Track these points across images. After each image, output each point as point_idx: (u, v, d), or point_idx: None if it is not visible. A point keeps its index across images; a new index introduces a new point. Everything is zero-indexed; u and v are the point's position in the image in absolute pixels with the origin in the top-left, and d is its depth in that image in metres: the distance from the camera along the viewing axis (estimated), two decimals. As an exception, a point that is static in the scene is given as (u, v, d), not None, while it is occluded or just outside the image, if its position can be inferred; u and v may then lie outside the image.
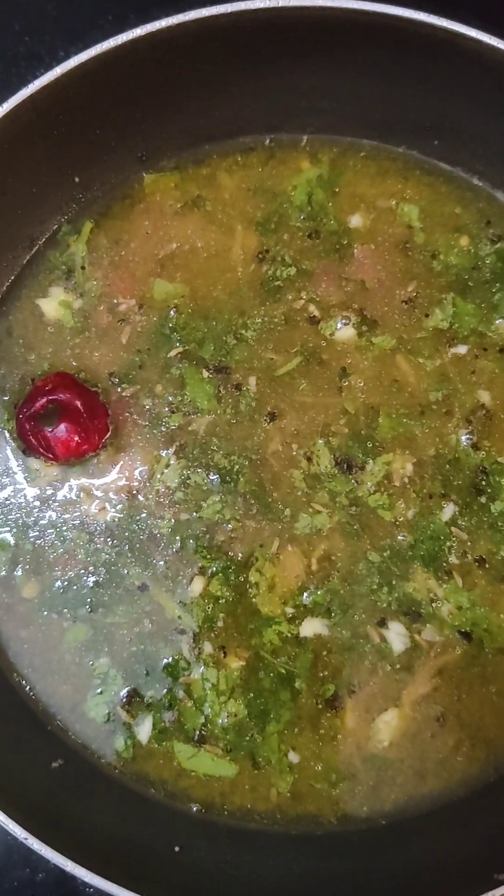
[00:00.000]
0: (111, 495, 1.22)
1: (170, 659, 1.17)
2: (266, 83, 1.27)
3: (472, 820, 1.12)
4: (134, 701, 1.17)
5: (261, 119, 1.32)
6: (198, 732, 1.15)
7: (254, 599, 1.17)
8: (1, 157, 1.16)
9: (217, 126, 1.32)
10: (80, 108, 1.19)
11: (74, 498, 1.22)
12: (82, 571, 1.20)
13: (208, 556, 1.19)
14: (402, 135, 1.31)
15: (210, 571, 1.19)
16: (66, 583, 1.20)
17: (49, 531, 1.21)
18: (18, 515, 1.22)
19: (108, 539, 1.21)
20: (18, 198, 1.24)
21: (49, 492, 1.23)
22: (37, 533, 1.22)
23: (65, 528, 1.21)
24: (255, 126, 1.33)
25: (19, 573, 1.20)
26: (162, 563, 1.20)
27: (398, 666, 1.16)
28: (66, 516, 1.22)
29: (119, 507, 1.22)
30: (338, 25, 1.16)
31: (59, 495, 1.23)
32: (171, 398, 1.25)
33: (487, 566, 1.19)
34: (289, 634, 1.16)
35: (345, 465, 1.21)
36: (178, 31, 1.14)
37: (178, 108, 1.27)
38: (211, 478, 1.22)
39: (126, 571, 1.20)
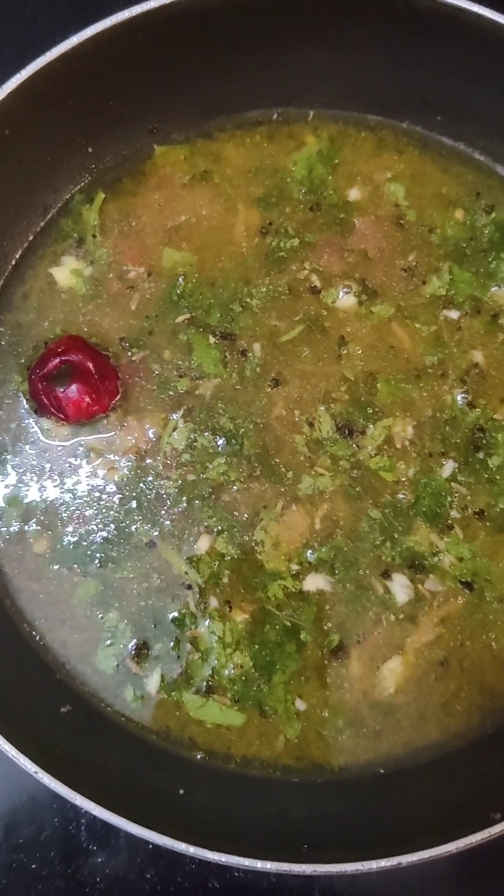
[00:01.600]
0: (120, 456, 1.26)
1: (177, 613, 1.20)
2: (275, 59, 1.31)
3: (470, 768, 1.15)
4: (142, 653, 1.20)
5: (269, 94, 1.36)
6: (205, 683, 1.18)
7: (259, 556, 1.21)
8: (17, 124, 1.20)
9: (226, 101, 1.36)
10: (94, 79, 1.23)
11: (84, 458, 1.26)
12: (92, 528, 1.24)
13: (214, 516, 1.22)
14: (407, 110, 1.36)
15: (216, 530, 1.22)
16: (76, 539, 1.23)
17: (60, 489, 1.25)
18: (31, 474, 1.26)
19: (117, 498, 1.24)
20: (33, 165, 1.28)
21: (60, 451, 1.27)
22: (48, 491, 1.25)
23: (75, 486, 1.25)
24: (263, 101, 1.37)
25: (31, 529, 1.24)
26: (168, 521, 1.23)
27: (402, 616, 1.20)
28: (77, 475, 1.25)
29: (128, 467, 1.25)
30: (344, 1, 1.20)
31: (70, 455, 1.26)
32: (178, 363, 1.29)
33: (487, 518, 1.23)
34: (293, 589, 1.20)
35: (346, 431, 1.25)
36: (190, 4, 1.18)
37: (189, 83, 1.31)
38: (217, 441, 1.25)
39: (134, 529, 1.23)
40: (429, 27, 1.21)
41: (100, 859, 1.28)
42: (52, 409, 1.25)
